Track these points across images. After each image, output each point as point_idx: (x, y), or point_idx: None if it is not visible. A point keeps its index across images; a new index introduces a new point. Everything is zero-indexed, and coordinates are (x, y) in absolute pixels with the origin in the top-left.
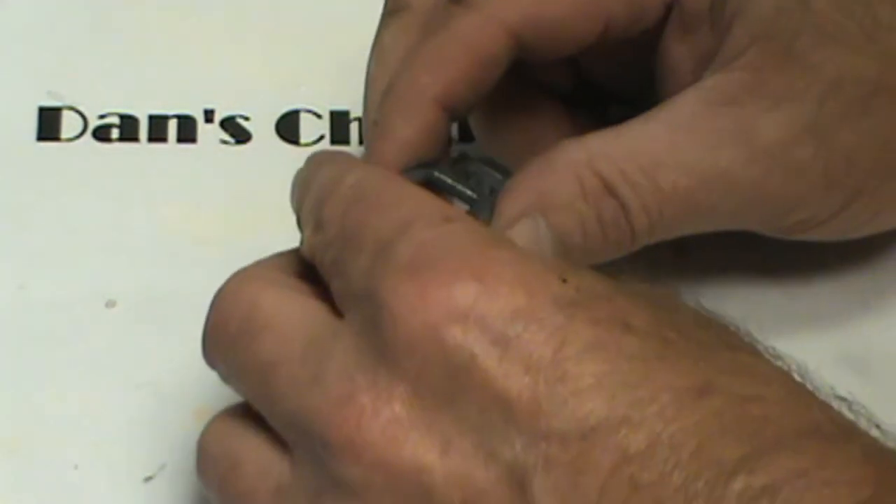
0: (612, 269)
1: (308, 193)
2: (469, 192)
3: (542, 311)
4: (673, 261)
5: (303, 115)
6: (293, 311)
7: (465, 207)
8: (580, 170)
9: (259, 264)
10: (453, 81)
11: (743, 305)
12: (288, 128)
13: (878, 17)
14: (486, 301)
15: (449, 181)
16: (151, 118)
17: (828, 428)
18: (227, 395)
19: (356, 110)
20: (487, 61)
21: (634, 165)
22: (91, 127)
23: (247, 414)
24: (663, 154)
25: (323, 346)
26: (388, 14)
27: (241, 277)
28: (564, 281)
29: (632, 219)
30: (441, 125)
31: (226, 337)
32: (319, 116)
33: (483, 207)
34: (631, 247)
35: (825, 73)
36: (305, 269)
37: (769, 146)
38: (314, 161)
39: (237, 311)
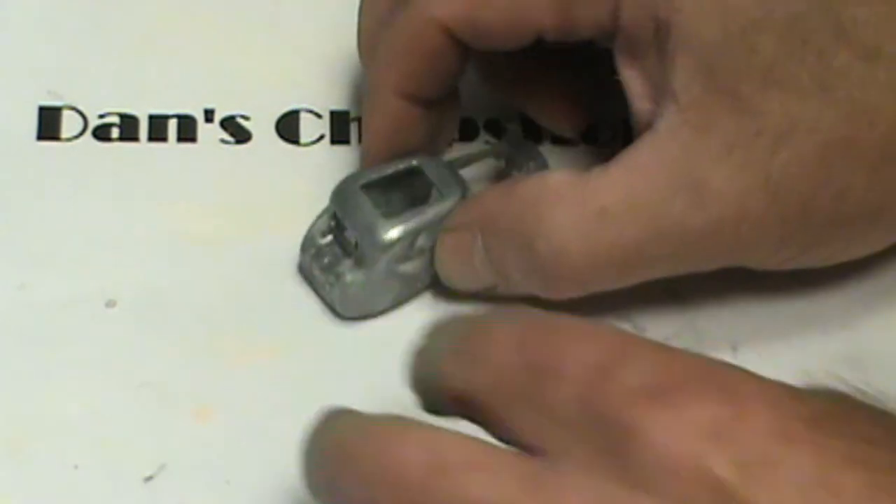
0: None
1: (441, 338)
2: (441, 188)
3: (795, 430)
4: None
5: (303, 115)
6: (479, 449)
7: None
8: (527, 207)
9: (384, 419)
10: (407, 75)
11: (743, 305)
12: (288, 127)
13: (832, 65)
14: (743, 423)
15: (427, 172)
16: (151, 118)
17: None
18: (227, 395)
19: (356, 110)
20: (433, 55)
21: (586, 211)
22: (91, 127)
23: None
24: (616, 202)
25: (544, 478)
26: None
27: (389, 427)
28: (801, 400)
29: (562, 266)
30: (411, 114)
31: (409, 483)
32: (319, 116)
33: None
34: (561, 292)
35: (774, 120)
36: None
37: (721, 196)
38: (435, 326)
39: (415, 454)
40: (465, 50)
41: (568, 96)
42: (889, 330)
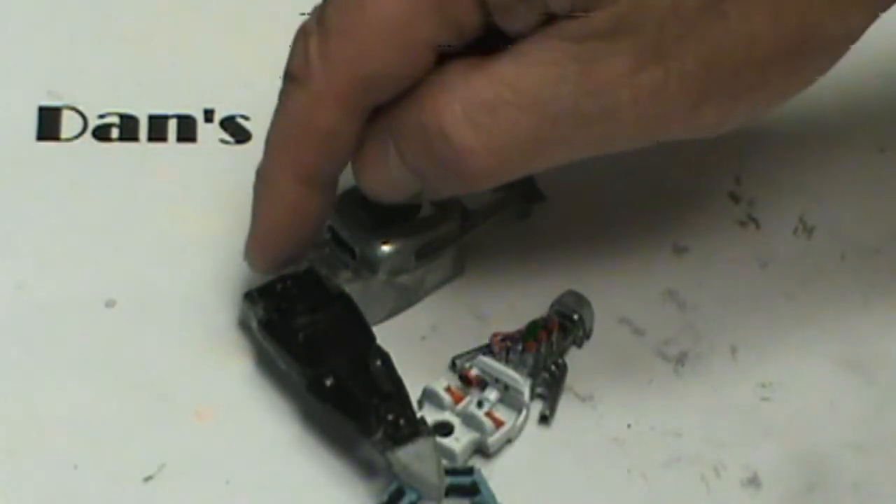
0: (604, 263)
1: None
2: (441, 209)
3: None
4: (672, 259)
5: None
6: None
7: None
8: (426, 104)
9: None
10: (303, 160)
11: (742, 305)
12: None
13: None
14: None
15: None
16: (151, 118)
17: None
18: (227, 395)
19: None
20: (329, 133)
21: (477, 104)
22: (91, 127)
23: None
24: (506, 91)
25: None
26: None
27: None
28: None
29: (467, 161)
30: (310, 202)
31: None
32: None
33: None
34: (478, 185)
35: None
36: None
37: (612, 77)
38: None
39: None
40: (362, 116)
41: None
42: (889, 330)
